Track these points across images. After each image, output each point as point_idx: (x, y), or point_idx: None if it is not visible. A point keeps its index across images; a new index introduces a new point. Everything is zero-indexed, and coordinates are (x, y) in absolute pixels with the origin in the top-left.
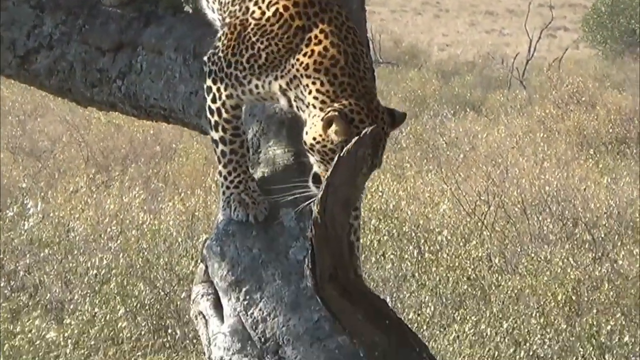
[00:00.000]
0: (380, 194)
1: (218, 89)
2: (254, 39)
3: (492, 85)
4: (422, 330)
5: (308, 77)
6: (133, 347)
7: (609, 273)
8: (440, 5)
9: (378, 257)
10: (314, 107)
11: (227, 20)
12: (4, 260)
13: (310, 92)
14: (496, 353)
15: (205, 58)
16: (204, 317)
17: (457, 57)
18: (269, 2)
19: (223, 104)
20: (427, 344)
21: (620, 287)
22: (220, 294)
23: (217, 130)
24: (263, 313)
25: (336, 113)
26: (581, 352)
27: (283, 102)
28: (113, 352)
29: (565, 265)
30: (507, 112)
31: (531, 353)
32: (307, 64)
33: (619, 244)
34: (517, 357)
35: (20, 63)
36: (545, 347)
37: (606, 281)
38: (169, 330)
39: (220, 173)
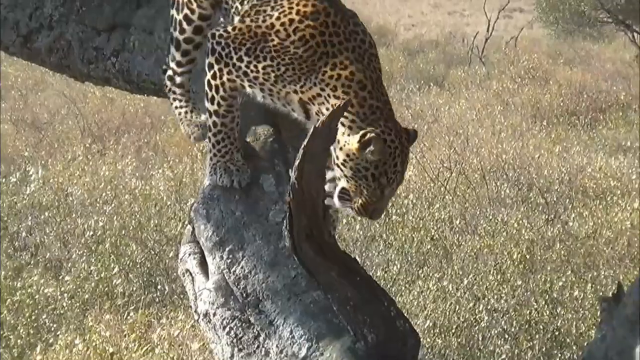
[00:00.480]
0: None
1: (220, 70)
2: (274, 54)
3: (454, 62)
4: (389, 286)
5: (337, 97)
6: (126, 302)
7: (560, 234)
8: None
9: (349, 219)
10: (343, 125)
11: (243, 13)
12: (8, 222)
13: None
14: (457, 307)
15: (210, 34)
16: (190, 274)
17: (422, 36)
18: (296, 28)
19: (222, 84)
20: (394, 298)
21: (571, 246)
22: (206, 253)
23: (212, 104)
24: (245, 270)
25: (374, 135)
26: (535, 306)
27: (299, 113)
28: (107, 306)
29: (520, 226)
30: (468, 86)
31: (489, 307)
32: (335, 86)
33: (569, 207)
34: (477, 310)
35: (23, 42)
36: (502, 301)
37: (558, 241)
38: (159, 287)
39: (209, 139)
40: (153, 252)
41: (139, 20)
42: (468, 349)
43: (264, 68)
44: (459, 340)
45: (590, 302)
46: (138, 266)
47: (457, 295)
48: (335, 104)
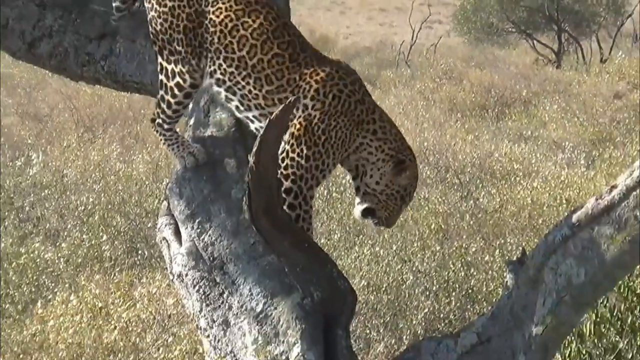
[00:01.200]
0: None
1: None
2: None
3: (384, 65)
4: (331, 251)
5: (379, 139)
6: (112, 264)
7: (472, 208)
8: (344, 5)
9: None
10: (384, 161)
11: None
12: (14, 199)
13: (383, 151)
14: (387, 269)
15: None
16: (166, 241)
17: (358, 43)
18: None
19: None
20: (335, 262)
21: (481, 219)
22: (179, 224)
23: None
24: (212, 238)
25: (408, 162)
26: (452, 268)
27: (352, 171)
28: (97, 268)
29: (438, 202)
30: (396, 85)
31: (414, 269)
32: (375, 130)
33: (480, 186)
34: (403, 272)
35: (27, 48)
36: (425, 264)
37: (470, 214)
38: (140, 252)
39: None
40: (135, 223)
41: (123, 30)
42: (396, 304)
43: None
44: (389, 297)
45: (499, 265)
46: (122, 235)
47: (387, 259)
48: (379, 145)
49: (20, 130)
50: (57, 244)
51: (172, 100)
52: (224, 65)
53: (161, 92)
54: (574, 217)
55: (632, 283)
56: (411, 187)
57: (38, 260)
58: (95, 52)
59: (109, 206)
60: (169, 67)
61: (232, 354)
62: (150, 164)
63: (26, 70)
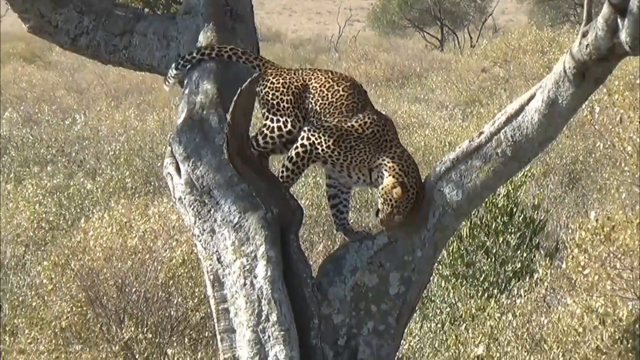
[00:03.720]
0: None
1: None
2: (353, 143)
3: (320, 51)
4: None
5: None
6: (133, 192)
7: None
8: (291, 9)
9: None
10: (393, 177)
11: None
12: (64, 147)
13: (394, 170)
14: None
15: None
16: (170, 175)
17: (301, 37)
18: (366, 123)
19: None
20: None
21: None
22: (179, 163)
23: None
24: (202, 172)
25: (401, 183)
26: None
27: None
28: (122, 195)
29: None
30: (328, 66)
31: None
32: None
33: None
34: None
35: (71, 42)
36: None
37: None
38: (152, 183)
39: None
40: (149, 163)
41: (138, 28)
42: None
43: (353, 156)
44: (325, 212)
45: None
46: (140, 171)
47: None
48: (392, 166)
49: (68, 100)
50: (95, 178)
51: (269, 142)
52: (315, 107)
53: (260, 142)
54: (453, 155)
55: (495, 200)
56: (400, 205)
57: (82, 190)
58: (118, 44)
59: (130, 151)
60: (273, 125)
61: (217, 253)
62: (158, 122)
63: (71, 58)
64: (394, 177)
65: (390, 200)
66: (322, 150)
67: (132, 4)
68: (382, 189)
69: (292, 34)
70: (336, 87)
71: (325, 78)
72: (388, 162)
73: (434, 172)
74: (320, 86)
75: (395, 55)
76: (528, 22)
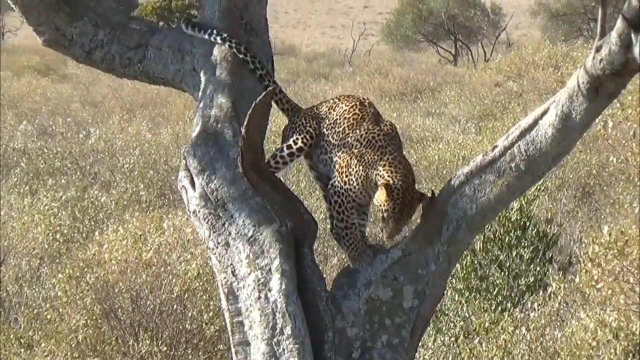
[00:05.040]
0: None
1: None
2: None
3: (334, 65)
4: (300, 195)
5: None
6: (147, 205)
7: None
8: (305, 23)
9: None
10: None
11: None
12: (78, 160)
13: (382, 177)
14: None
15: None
16: (185, 188)
17: (316, 50)
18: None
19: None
20: (302, 201)
21: None
22: (194, 176)
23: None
24: (216, 186)
25: (393, 187)
26: None
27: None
28: (137, 208)
29: None
30: (342, 79)
31: None
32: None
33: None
34: None
35: (86, 55)
36: None
37: None
38: (167, 196)
39: (344, 244)
40: (163, 176)
41: (153, 41)
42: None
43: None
44: None
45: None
46: (154, 184)
47: None
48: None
49: (82, 113)
50: (109, 191)
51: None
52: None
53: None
54: (467, 169)
55: (508, 214)
56: (387, 205)
57: (96, 202)
58: (133, 57)
59: (145, 164)
60: (290, 142)
61: (232, 266)
62: (172, 135)
63: (86, 71)
64: (381, 182)
65: (380, 206)
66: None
67: (147, 18)
68: (376, 199)
69: (306, 48)
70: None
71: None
72: (380, 170)
73: (448, 186)
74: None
75: (409, 69)
76: (542, 37)
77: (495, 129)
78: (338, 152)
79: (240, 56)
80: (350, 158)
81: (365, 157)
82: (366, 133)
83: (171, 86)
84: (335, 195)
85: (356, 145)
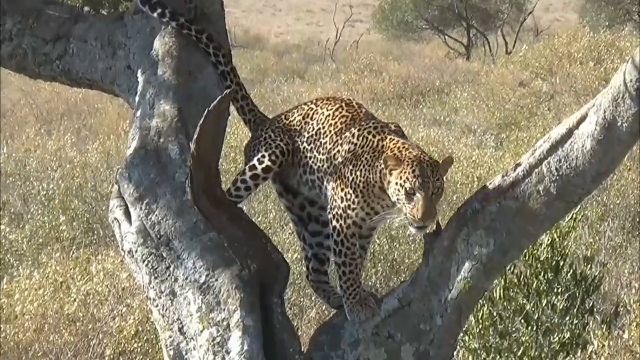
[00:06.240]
0: (234, 135)
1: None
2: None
3: (312, 60)
4: (267, 228)
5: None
6: (70, 243)
7: None
8: (275, 7)
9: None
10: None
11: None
12: None
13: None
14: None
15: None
16: (118, 221)
17: (288, 41)
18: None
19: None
20: (270, 237)
21: None
22: (129, 205)
23: (340, 256)
24: (158, 218)
25: (395, 155)
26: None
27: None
28: (57, 247)
29: None
30: (322, 78)
31: None
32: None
33: None
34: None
35: None
36: None
37: None
38: (95, 231)
39: (341, 287)
40: (90, 206)
41: (76, 32)
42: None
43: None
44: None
45: (420, 237)
46: (80, 216)
47: None
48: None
49: None
50: (21, 225)
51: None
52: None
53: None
54: (483, 193)
55: (535, 251)
56: (406, 179)
57: (3, 240)
58: (50, 53)
59: (67, 191)
60: (254, 162)
61: (179, 321)
62: (102, 153)
63: None
64: (389, 162)
65: (397, 189)
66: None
67: (69, 1)
68: (391, 186)
69: (275, 38)
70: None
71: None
72: (386, 154)
73: (458, 216)
74: None
75: (408, 65)
76: (579, 22)
77: (519, 141)
78: (329, 167)
79: (202, 46)
80: (344, 166)
81: (363, 158)
82: (359, 130)
83: (100, 89)
84: (333, 219)
85: (350, 149)
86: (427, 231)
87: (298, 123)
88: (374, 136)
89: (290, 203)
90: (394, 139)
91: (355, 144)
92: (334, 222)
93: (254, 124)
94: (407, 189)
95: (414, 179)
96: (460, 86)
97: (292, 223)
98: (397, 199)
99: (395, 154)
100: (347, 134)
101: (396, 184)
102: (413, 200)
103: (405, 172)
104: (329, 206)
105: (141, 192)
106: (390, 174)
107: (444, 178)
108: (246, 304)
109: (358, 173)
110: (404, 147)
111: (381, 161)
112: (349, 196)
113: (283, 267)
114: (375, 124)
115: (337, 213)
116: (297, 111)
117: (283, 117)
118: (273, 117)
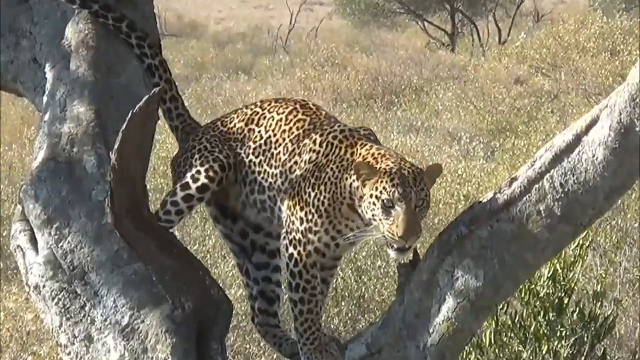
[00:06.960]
0: (165, 144)
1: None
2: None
3: (260, 52)
4: (206, 258)
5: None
6: None
7: None
8: None
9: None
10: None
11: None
12: None
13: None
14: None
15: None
16: (22, 249)
17: (231, 29)
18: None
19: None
20: (209, 270)
21: None
22: (35, 230)
23: (297, 292)
24: (71, 245)
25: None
26: (341, 275)
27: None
28: None
29: None
30: (273, 74)
31: None
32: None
33: None
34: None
35: None
36: None
37: None
38: None
39: (297, 330)
40: None
41: None
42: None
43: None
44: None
45: (392, 269)
46: None
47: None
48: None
49: None
50: None
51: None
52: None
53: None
54: (471, 214)
55: (533, 286)
56: (383, 191)
57: None
58: None
59: None
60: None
61: None
62: (3, 166)
63: None
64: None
65: (371, 203)
66: None
67: None
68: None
69: (215, 25)
70: None
71: None
72: (356, 162)
73: (439, 243)
74: None
75: (379, 58)
76: (589, 5)
77: (515, 150)
78: (283, 184)
79: (122, 37)
80: (304, 180)
81: (328, 169)
82: (322, 136)
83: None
84: (290, 246)
85: (311, 159)
86: (408, 254)
87: (240, 131)
88: (340, 142)
89: (229, 229)
90: (365, 145)
91: (318, 153)
92: (291, 249)
93: (182, 132)
94: (385, 200)
95: (393, 189)
96: (443, 84)
97: (232, 254)
98: (373, 216)
99: (368, 162)
100: (307, 141)
101: (371, 196)
102: (392, 214)
103: (381, 182)
104: (283, 230)
105: (50, 213)
106: (364, 186)
107: (430, 190)
108: (179, 351)
109: (322, 188)
110: (379, 154)
111: (351, 171)
112: (309, 217)
113: (224, 306)
114: (342, 128)
115: (294, 238)
116: (238, 116)
117: (219, 123)
118: (206, 124)
